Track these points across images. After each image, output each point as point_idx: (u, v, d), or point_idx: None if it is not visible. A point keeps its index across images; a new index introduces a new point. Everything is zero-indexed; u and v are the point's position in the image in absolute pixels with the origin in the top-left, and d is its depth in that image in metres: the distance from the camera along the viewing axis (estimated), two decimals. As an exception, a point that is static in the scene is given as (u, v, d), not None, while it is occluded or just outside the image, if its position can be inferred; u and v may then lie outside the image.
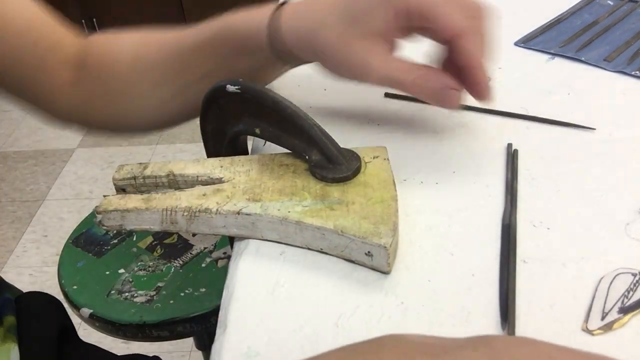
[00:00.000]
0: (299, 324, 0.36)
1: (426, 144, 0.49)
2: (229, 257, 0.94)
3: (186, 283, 0.91)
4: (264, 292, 0.38)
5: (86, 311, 0.88)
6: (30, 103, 0.58)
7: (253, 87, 0.43)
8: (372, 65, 0.44)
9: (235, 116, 0.46)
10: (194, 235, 0.99)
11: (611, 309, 0.35)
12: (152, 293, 0.90)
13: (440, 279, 0.38)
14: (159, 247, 0.98)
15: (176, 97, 0.54)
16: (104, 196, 0.44)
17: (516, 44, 0.64)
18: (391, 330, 0.35)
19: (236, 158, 0.46)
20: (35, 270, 1.75)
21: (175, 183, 0.45)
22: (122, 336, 0.89)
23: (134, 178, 0.45)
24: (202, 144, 0.50)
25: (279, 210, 0.40)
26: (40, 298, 0.70)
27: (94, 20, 2.46)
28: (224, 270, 0.93)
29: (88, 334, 0.93)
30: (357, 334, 0.35)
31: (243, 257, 0.41)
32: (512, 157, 0.47)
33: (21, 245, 1.84)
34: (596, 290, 0.37)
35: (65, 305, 0.75)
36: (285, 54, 0.47)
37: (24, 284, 1.62)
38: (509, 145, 0.48)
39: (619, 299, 0.36)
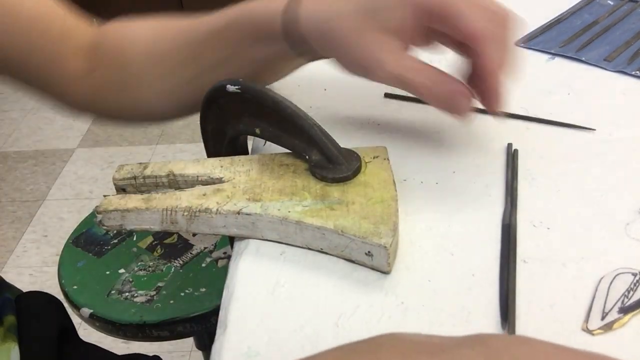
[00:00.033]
0: (299, 324, 0.36)
1: (426, 144, 0.49)
2: (229, 257, 0.94)
3: (186, 283, 0.91)
4: (264, 292, 0.38)
5: (86, 311, 0.88)
6: (43, 92, 0.58)
7: (253, 87, 0.43)
8: (384, 61, 0.43)
9: (235, 116, 0.46)
10: (194, 235, 0.99)
11: (611, 309, 0.35)
12: (152, 293, 0.90)
13: (440, 279, 0.38)
14: (159, 247, 0.98)
15: (189, 86, 0.53)
16: (104, 196, 0.44)
17: (516, 44, 0.64)
18: (391, 330, 0.35)
19: (236, 158, 0.46)
20: (35, 270, 1.75)
21: (175, 183, 0.45)
22: (122, 336, 0.89)
23: (134, 178, 0.45)
24: (202, 144, 0.50)
25: (279, 210, 0.40)
26: (41, 298, 0.70)
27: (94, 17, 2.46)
28: (224, 270, 0.93)
29: (88, 334, 0.93)
30: (357, 334, 0.35)
31: (243, 257, 0.41)
32: (512, 157, 0.47)
33: (21, 245, 1.84)
34: (596, 290, 0.37)
35: (65, 305, 0.75)
36: (300, 44, 0.46)
37: (24, 284, 1.62)
38: (509, 145, 0.48)
39: (619, 299, 0.36)
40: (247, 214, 0.40)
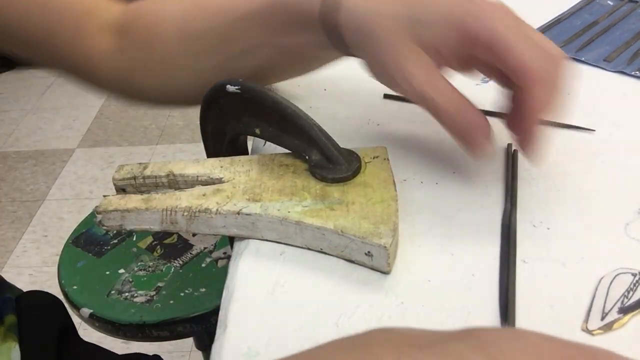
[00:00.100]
0: (299, 324, 0.36)
1: (426, 144, 0.49)
2: (229, 257, 0.94)
3: (186, 283, 0.91)
4: (264, 292, 0.38)
5: (86, 311, 0.88)
6: (69, 72, 0.56)
7: (253, 87, 0.43)
8: (413, 75, 0.41)
9: (235, 116, 0.46)
10: (194, 235, 0.99)
11: (611, 309, 0.35)
12: (152, 293, 0.90)
13: (440, 279, 0.38)
14: (159, 247, 0.98)
15: (219, 70, 0.51)
16: (104, 196, 0.44)
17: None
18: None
19: (236, 158, 0.46)
20: (35, 270, 1.75)
21: (175, 183, 0.45)
22: (122, 336, 0.89)
23: (134, 178, 0.45)
24: (202, 144, 0.50)
25: (279, 210, 0.40)
26: (41, 297, 0.70)
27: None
28: (224, 270, 0.93)
29: (88, 334, 0.93)
30: (357, 334, 0.35)
31: (243, 257, 0.41)
32: (512, 157, 0.47)
33: (21, 245, 1.84)
34: (596, 290, 0.37)
35: (65, 305, 0.75)
36: (337, 35, 0.44)
37: (24, 284, 1.62)
38: (509, 146, 0.48)
39: (619, 299, 0.36)
40: (247, 214, 0.40)
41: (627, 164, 0.46)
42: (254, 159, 0.46)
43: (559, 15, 0.69)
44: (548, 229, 0.41)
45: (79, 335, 0.73)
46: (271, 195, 0.42)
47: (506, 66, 0.39)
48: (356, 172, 0.43)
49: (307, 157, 0.43)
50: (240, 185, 0.43)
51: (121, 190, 0.46)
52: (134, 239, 0.99)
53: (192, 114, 2.32)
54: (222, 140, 0.48)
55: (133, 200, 0.43)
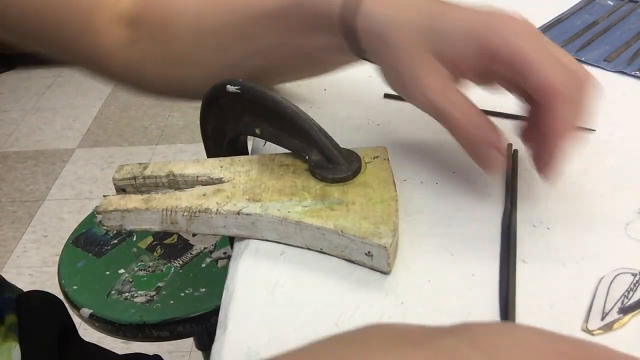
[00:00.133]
0: (299, 324, 0.36)
1: (426, 144, 0.49)
2: (229, 257, 0.94)
3: (186, 283, 0.91)
4: (264, 292, 0.38)
5: (86, 311, 0.88)
6: (80, 64, 0.56)
7: (253, 87, 0.43)
8: (427, 86, 0.40)
9: (235, 116, 0.46)
10: (194, 235, 0.99)
11: (611, 309, 0.35)
12: (152, 293, 0.90)
13: (440, 279, 0.38)
14: (159, 247, 0.98)
15: (236, 68, 0.50)
16: (104, 196, 0.44)
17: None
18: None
19: (236, 158, 0.46)
20: (35, 270, 1.75)
21: (175, 183, 0.45)
22: (122, 336, 0.89)
23: (134, 178, 0.45)
24: (202, 144, 0.50)
25: (279, 210, 0.40)
26: (41, 297, 0.70)
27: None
28: (224, 270, 0.93)
29: (88, 334, 0.93)
30: (357, 334, 0.35)
31: (243, 257, 0.41)
32: (512, 157, 0.47)
33: (21, 245, 1.84)
34: (596, 290, 0.37)
35: (65, 305, 0.75)
36: (353, 40, 0.43)
37: (24, 284, 1.62)
38: (509, 146, 0.48)
39: (619, 299, 0.36)
40: (247, 214, 0.40)
41: (627, 164, 0.46)
42: (254, 159, 0.46)
43: (559, 15, 0.69)
44: (548, 229, 0.41)
45: (79, 335, 0.73)
46: (271, 195, 0.42)
47: (529, 84, 0.38)
48: (356, 172, 0.43)
49: (307, 157, 0.43)
50: (240, 185, 0.43)
51: (121, 190, 0.46)
52: (134, 239, 0.99)
53: (192, 114, 2.32)
54: (222, 140, 0.48)
55: (133, 200, 0.43)
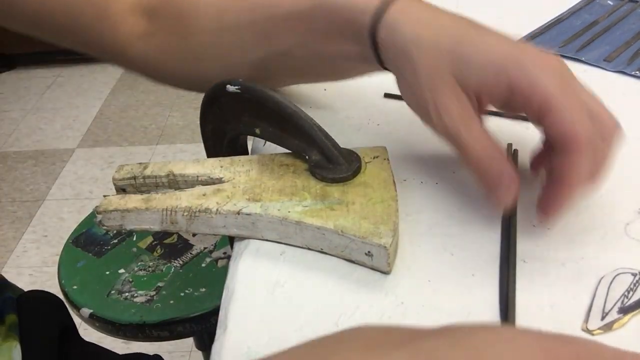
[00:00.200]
0: (299, 324, 0.36)
1: (426, 144, 0.49)
2: (229, 257, 0.94)
3: (186, 283, 0.91)
4: (264, 292, 0.38)
5: (86, 311, 0.88)
6: (98, 55, 0.55)
7: (253, 87, 0.43)
8: (446, 111, 0.39)
9: (235, 116, 0.46)
10: (194, 235, 0.99)
11: (611, 309, 0.35)
12: (152, 293, 0.90)
13: (440, 279, 0.38)
14: (159, 247, 0.98)
15: (255, 69, 0.50)
16: (104, 196, 0.44)
17: (516, 44, 0.64)
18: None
19: (236, 158, 0.46)
20: (35, 270, 1.75)
21: (175, 183, 0.45)
22: (122, 336, 0.89)
23: (134, 178, 0.45)
24: (202, 144, 0.50)
25: (279, 210, 0.40)
26: (42, 297, 0.70)
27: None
28: (224, 270, 0.93)
29: (88, 334, 0.93)
30: (357, 334, 0.35)
31: (243, 257, 0.41)
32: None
33: (21, 245, 1.84)
34: (596, 290, 0.37)
35: (66, 305, 0.75)
36: (375, 51, 0.42)
37: (24, 284, 1.62)
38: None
39: (619, 299, 0.36)
40: (247, 214, 0.40)
41: (627, 164, 0.46)
42: (254, 159, 0.46)
43: (559, 15, 0.69)
44: (548, 229, 0.41)
45: (79, 335, 0.73)
46: (271, 195, 0.42)
47: (550, 129, 0.37)
48: (356, 172, 0.43)
49: (307, 157, 0.43)
50: (240, 185, 0.43)
51: (121, 190, 0.46)
52: (134, 239, 0.99)
53: (192, 114, 2.32)
54: (222, 140, 0.48)
55: (133, 200, 0.43)
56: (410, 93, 0.42)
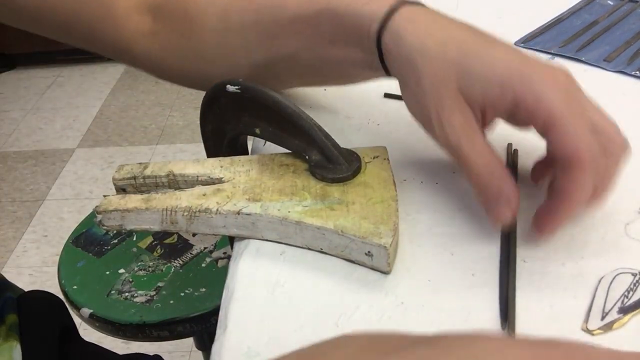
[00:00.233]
0: (299, 324, 0.36)
1: (426, 144, 0.49)
2: (229, 257, 0.94)
3: (186, 283, 0.91)
4: (264, 292, 0.38)
5: (86, 311, 0.88)
6: (103, 53, 0.55)
7: (253, 87, 0.43)
8: (449, 124, 0.38)
9: (235, 116, 0.46)
10: (194, 235, 0.99)
11: (611, 309, 0.35)
12: (152, 293, 0.90)
13: (440, 279, 0.38)
14: (159, 247, 0.98)
15: (261, 70, 0.49)
16: (104, 196, 0.44)
17: (516, 44, 0.64)
18: (391, 330, 0.35)
19: (236, 158, 0.46)
20: (35, 270, 1.75)
21: (175, 183, 0.45)
22: (122, 336, 0.89)
23: (134, 178, 0.45)
24: (202, 144, 0.50)
25: (279, 210, 0.40)
26: (42, 297, 0.70)
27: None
28: (224, 270, 0.93)
29: (88, 334, 0.93)
30: (357, 334, 0.35)
31: (243, 257, 0.41)
32: (512, 157, 0.47)
33: (21, 245, 1.84)
34: (596, 290, 0.37)
35: (66, 305, 0.75)
36: (385, 58, 0.42)
37: (24, 284, 1.62)
38: (509, 145, 0.48)
39: (619, 299, 0.36)
40: (247, 214, 0.40)
41: (627, 164, 0.46)
42: (254, 159, 0.46)
43: (559, 15, 0.69)
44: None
45: (80, 335, 0.73)
46: (271, 195, 0.42)
47: (554, 145, 0.36)
48: (356, 172, 0.43)
49: (307, 157, 0.43)
50: (240, 185, 0.43)
51: (121, 190, 0.46)
52: (134, 239, 0.99)
53: (192, 114, 2.32)
54: (222, 140, 0.48)
55: (133, 200, 0.43)
56: (413, 102, 0.42)
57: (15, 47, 2.63)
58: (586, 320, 0.35)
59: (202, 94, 0.47)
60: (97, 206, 0.43)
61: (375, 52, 0.42)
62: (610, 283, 0.37)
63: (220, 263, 0.94)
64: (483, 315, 0.35)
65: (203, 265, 0.94)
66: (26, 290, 0.70)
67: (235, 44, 0.49)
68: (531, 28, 0.66)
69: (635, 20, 0.67)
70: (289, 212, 0.40)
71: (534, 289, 0.37)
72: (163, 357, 0.84)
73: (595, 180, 0.36)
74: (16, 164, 2.18)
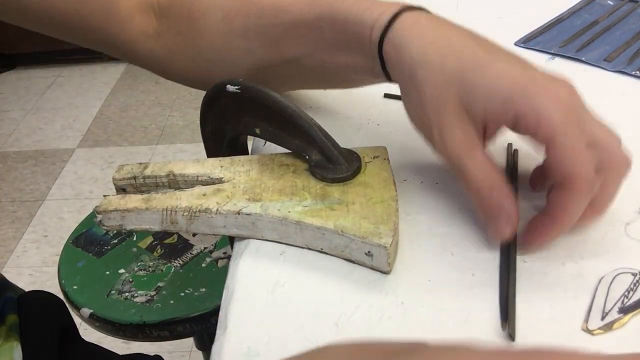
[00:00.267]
0: (299, 324, 0.36)
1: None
2: (229, 257, 0.94)
3: (186, 283, 0.91)
4: (264, 292, 0.38)
5: (86, 311, 0.88)
6: (108, 52, 0.55)
7: (253, 87, 0.43)
8: (450, 137, 0.38)
9: (235, 116, 0.46)
10: (194, 235, 0.99)
11: (611, 309, 0.35)
12: (152, 293, 0.90)
13: (440, 279, 0.38)
14: (159, 247, 0.98)
15: (260, 71, 0.49)
16: (104, 196, 0.44)
17: (516, 44, 0.64)
18: (391, 330, 0.35)
19: (236, 158, 0.46)
20: (35, 270, 1.75)
21: (175, 183, 0.45)
22: (122, 336, 0.89)
23: (134, 178, 0.45)
24: (202, 144, 0.50)
25: (279, 210, 0.40)
26: (42, 297, 0.70)
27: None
28: (224, 270, 0.93)
29: (88, 334, 0.93)
30: (357, 334, 0.35)
31: (243, 257, 0.41)
32: (512, 157, 0.47)
33: (21, 245, 1.84)
34: (596, 290, 0.37)
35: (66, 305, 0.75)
36: (387, 65, 0.42)
37: (24, 284, 1.61)
38: (509, 145, 0.48)
39: (619, 299, 0.36)
40: (247, 214, 0.40)
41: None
42: (254, 159, 0.46)
43: (559, 15, 0.69)
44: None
45: (80, 336, 0.73)
46: (271, 195, 0.42)
47: (552, 162, 0.36)
48: (356, 172, 0.43)
49: (307, 157, 0.43)
50: (240, 185, 0.43)
51: (121, 190, 0.46)
52: (134, 239, 0.99)
53: (192, 114, 2.32)
54: (222, 140, 0.48)
55: (133, 200, 0.43)
56: (414, 113, 0.42)
57: (16, 47, 2.63)
58: (586, 320, 0.35)
59: (202, 94, 0.47)
60: (97, 206, 0.43)
61: (376, 59, 0.42)
62: (610, 283, 0.37)
63: (220, 263, 0.94)
64: (483, 315, 0.35)
65: (203, 265, 0.94)
66: (26, 290, 0.70)
67: (239, 46, 0.50)
68: (531, 28, 0.66)
69: (635, 20, 0.67)
70: (289, 212, 0.40)
71: (534, 289, 0.37)
72: (163, 357, 0.84)
73: (585, 203, 0.36)
74: (16, 164, 2.18)
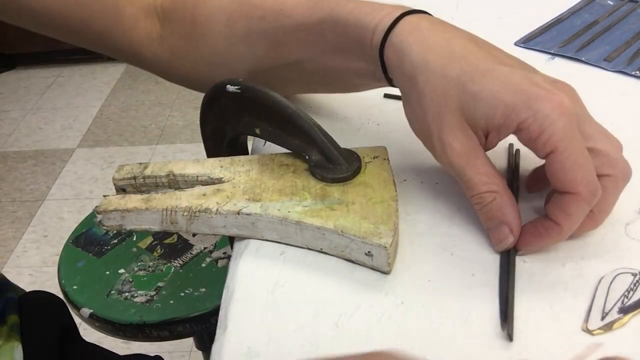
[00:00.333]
0: (299, 324, 0.36)
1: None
2: (229, 257, 0.94)
3: (186, 283, 0.91)
4: (264, 292, 0.38)
5: (86, 311, 0.88)
6: (113, 56, 0.56)
7: (253, 87, 0.43)
8: (451, 146, 0.38)
9: (235, 116, 0.46)
10: (194, 235, 0.99)
11: (611, 309, 0.35)
12: (152, 293, 0.90)
13: (440, 279, 0.38)
14: (159, 247, 0.98)
15: (262, 74, 0.49)
16: (104, 196, 0.44)
17: (516, 44, 0.64)
18: (391, 330, 0.35)
19: (236, 158, 0.46)
20: (35, 270, 1.75)
21: (175, 183, 0.45)
22: (122, 336, 0.89)
23: (134, 178, 0.45)
24: (202, 144, 0.50)
25: (279, 210, 0.40)
26: (43, 297, 0.70)
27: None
28: (224, 270, 0.93)
29: (88, 334, 0.93)
30: (357, 334, 0.35)
31: (243, 257, 0.41)
32: (513, 157, 0.47)
33: (21, 245, 1.84)
34: (596, 290, 0.37)
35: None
36: (388, 70, 0.42)
37: (24, 284, 1.61)
38: (510, 146, 0.48)
39: (619, 299, 0.36)
40: (247, 214, 0.40)
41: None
42: (254, 159, 0.46)
43: (559, 15, 0.69)
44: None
45: (80, 336, 0.74)
46: (271, 195, 0.42)
47: (552, 172, 0.36)
48: (356, 172, 0.43)
49: (307, 157, 0.43)
50: (240, 185, 0.43)
51: (121, 190, 0.46)
52: (134, 239, 0.99)
53: (192, 114, 2.32)
54: (222, 140, 0.48)
55: (133, 200, 0.43)
56: (414, 119, 0.41)
57: (16, 47, 2.63)
58: (586, 320, 0.35)
59: (202, 94, 0.47)
60: (97, 206, 0.43)
61: (377, 63, 0.42)
62: (610, 283, 0.37)
63: (220, 263, 0.94)
64: (483, 315, 0.36)
65: (203, 265, 0.94)
66: (27, 290, 0.70)
67: (242, 50, 0.50)
68: (531, 28, 0.66)
69: (635, 20, 0.67)
70: (289, 212, 0.40)
71: (534, 289, 0.37)
72: (163, 357, 0.84)
73: (583, 214, 0.36)
74: (16, 164, 2.18)
